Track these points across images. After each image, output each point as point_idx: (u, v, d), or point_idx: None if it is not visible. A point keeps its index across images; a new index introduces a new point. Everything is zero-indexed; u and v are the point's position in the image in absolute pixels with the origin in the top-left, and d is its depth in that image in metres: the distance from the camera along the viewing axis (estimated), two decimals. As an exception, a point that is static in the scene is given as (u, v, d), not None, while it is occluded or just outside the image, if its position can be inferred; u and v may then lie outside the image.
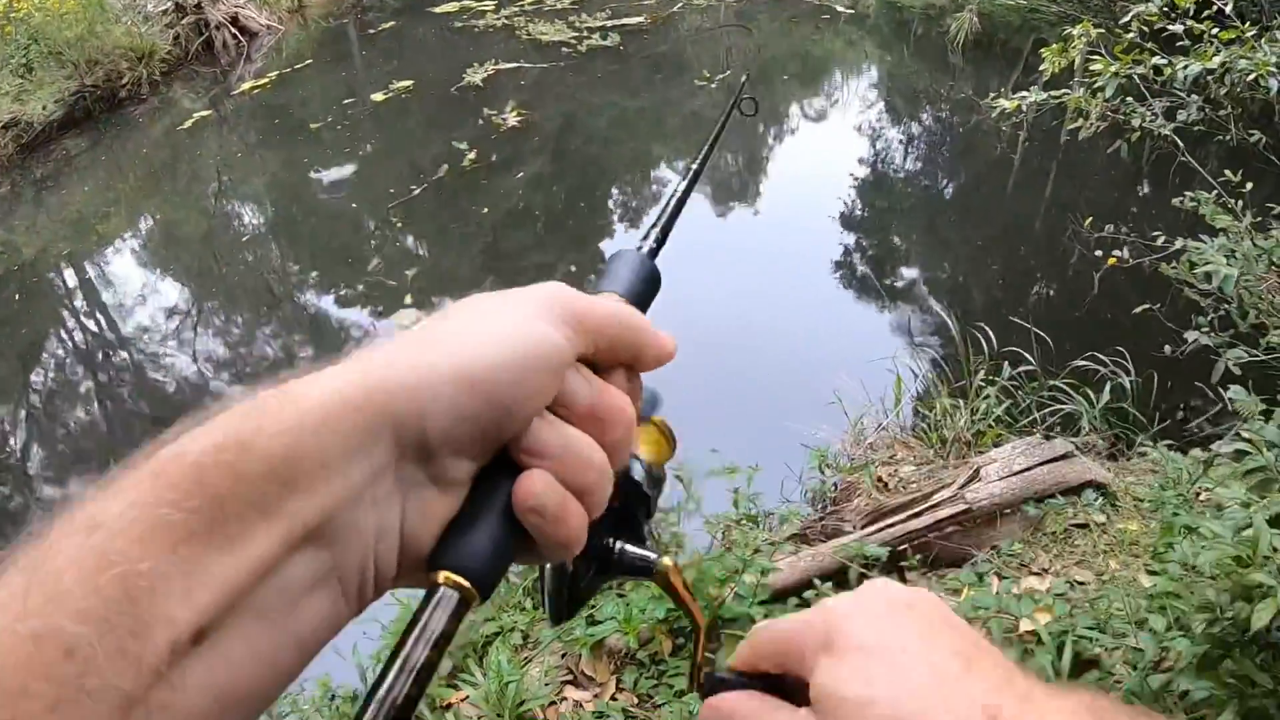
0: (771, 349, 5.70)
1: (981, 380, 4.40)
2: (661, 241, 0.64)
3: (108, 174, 9.55)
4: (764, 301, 6.31)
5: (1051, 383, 4.41)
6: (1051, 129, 7.57)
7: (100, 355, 6.87)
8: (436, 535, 0.42)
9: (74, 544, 0.33)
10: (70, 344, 7.04)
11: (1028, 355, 4.57)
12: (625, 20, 12.23)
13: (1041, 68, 4.04)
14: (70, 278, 7.85)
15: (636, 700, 2.80)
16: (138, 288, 7.54)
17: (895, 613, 0.49)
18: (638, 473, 0.54)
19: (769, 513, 3.89)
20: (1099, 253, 4.19)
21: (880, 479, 3.98)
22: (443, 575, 0.40)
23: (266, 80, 11.23)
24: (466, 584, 0.40)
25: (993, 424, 4.17)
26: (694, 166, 0.76)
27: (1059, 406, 4.31)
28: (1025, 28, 10.03)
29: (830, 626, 0.49)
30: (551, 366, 0.44)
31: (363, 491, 0.38)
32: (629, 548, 0.53)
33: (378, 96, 10.33)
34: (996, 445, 3.87)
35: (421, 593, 0.41)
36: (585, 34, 11.83)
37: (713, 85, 10.47)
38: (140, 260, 8.16)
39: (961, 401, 4.33)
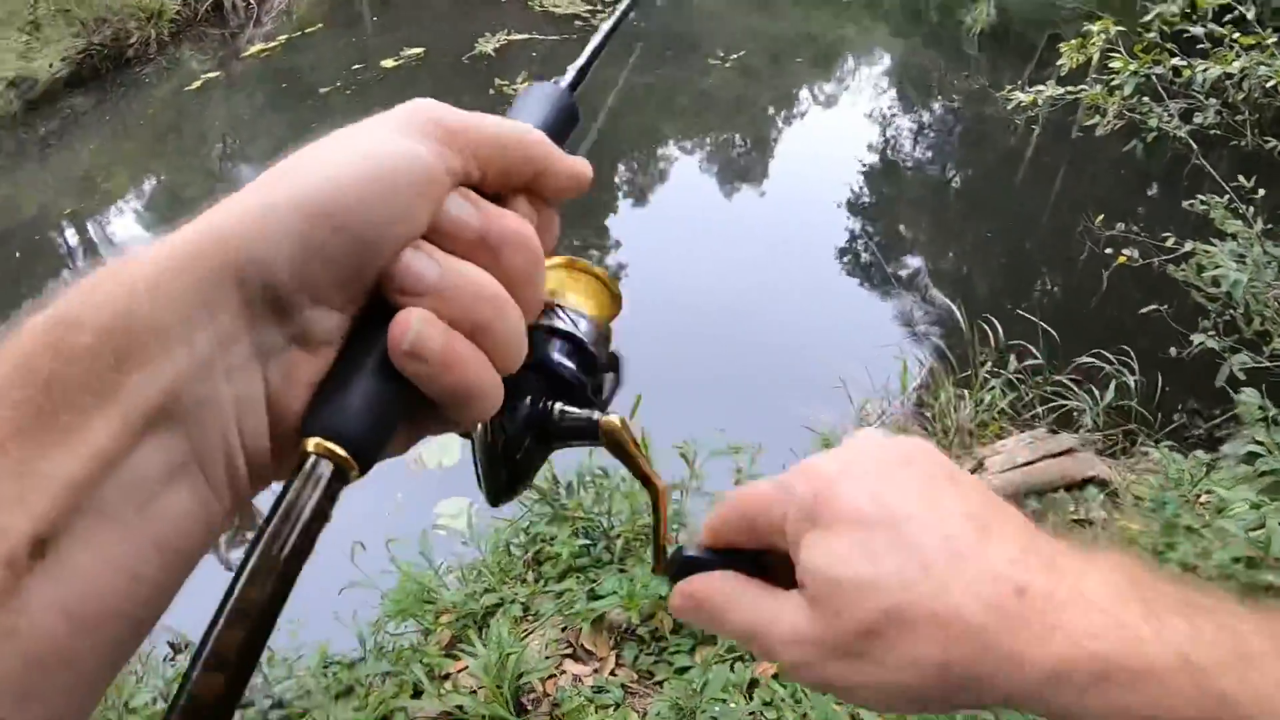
0: (776, 331, 5.69)
1: (987, 372, 4.41)
2: (580, 78, 0.57)
3: (113, 133, 9.48)
4: (769, 282, 6.30)
5: (1056, 377, 4.42)
6: (1064, 125, 7.56)
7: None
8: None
9: None
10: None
11: (1033, 349, 4.58)
12: (639, -4, 12.14)
13: (1059, 63, 4.04)
14: (72, 237, 7.82)
15: (636, 676, 2.82)
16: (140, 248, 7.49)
17: (891, 471, 0.42)
18: (571, 324, 0.46)
19: (772, 495, 3.90)
20: (1108, 250, 4.20)
21: (883, 466, 3.99)
22: (312, 443, 0.34)
23: (276, 44, 11.14)
24: (341, 452, 0.34)
25: (995, 416, 4.19)
26: None
27: (1062, 402, 4.32)
28: (1042, 22, 10.00)
29: (816, 492, 0.42)
30: (417, 186, 0.36)
31: (212, 361, 0.32)
32: (570, 409, 0.46)
33: (388, 63, 10.26)
34: (999, 437, 3.89)
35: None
36: (599, 8, 11.76)
37: (726, 65, 10.42)
38: (143, 221, 8.09)
39: (966, 392, 4.35)
